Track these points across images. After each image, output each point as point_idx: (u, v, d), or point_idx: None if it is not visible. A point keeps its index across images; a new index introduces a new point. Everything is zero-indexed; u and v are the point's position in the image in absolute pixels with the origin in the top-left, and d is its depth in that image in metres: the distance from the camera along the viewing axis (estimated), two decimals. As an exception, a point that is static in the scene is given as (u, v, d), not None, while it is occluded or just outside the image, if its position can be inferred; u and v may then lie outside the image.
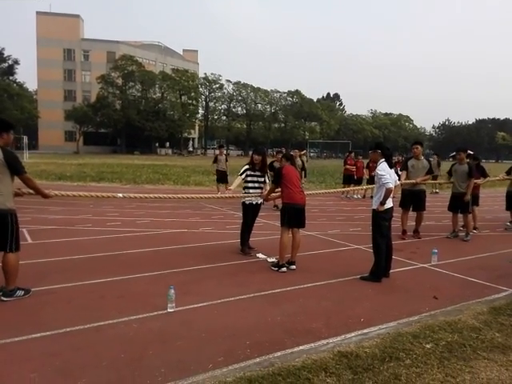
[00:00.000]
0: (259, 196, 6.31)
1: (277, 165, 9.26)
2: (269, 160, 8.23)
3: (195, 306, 4.22)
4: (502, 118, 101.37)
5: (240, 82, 74.74)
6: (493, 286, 5.19)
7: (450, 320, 4.03)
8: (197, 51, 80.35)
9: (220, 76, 72.36)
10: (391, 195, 5.35)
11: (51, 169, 22.75)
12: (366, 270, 5.64)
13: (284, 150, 12.13)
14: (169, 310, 4.05)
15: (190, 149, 73.39)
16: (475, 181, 8.33)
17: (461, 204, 8.08)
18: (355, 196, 14.86)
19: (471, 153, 8.83)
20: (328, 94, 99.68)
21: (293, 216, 5.60)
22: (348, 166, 15.00)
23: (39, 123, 62.42)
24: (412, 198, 8.02)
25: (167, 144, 68.86)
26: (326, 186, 18.04)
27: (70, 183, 16.97)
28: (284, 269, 5.55)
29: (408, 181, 7.98)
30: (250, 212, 6.46)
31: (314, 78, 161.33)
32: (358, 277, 5.36)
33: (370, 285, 5.10)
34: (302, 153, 14.59)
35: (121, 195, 5.61)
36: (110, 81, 59.05)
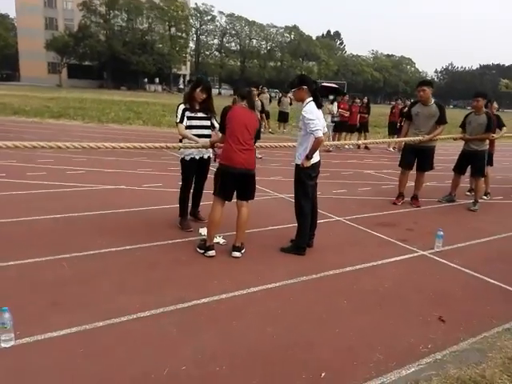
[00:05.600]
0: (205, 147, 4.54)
1: None
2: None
3: (54, 333, 2.59)
4: (506, 65, 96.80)
5: (234, 14, 69.60)
6: (522, 292, 3.62)
7: (465, 377, 2.45)
8: (188, -22, 73.96)
9: (212, 7, 67.29)
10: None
11: (13, 102, 20.45)
12: (343, 258, 4.04)
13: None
14: (2, 345, 2.44)
15: (181, 86, 69.48)
16: (492, 135, 6.62)
17: (472, 164, 6.48)
18: (347, 147, 12.93)
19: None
20: (328, 31, 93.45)
21: (229, 184, 3.91)
22: (341, 111, 12.91)
23: (20, 53, 58.05)
24: (416, 155, 6.29)
25: (157, 80, 64.97)
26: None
27: (25, 118, 14.99)
28: (211, 252, 3.95)
29: (410, 138, 6.22)
30: (194, 171, 4.72)
31: (314, 13, 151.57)
32: (321, 274, 3.77)
33: (344, 295, 3.49)
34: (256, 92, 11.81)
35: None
36: (92, 8, 54.24)
